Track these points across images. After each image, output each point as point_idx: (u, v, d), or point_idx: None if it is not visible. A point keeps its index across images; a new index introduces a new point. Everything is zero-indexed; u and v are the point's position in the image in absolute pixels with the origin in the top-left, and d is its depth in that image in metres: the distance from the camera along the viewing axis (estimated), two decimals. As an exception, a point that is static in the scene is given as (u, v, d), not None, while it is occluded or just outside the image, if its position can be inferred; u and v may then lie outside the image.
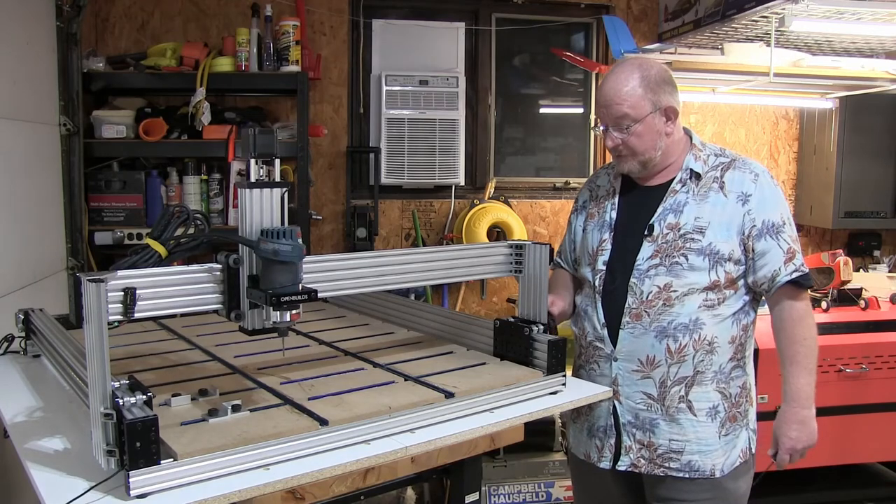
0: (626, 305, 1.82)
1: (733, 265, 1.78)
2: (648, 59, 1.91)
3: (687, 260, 1.77)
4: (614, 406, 1.86)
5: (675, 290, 1.77)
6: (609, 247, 1.88)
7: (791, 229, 1.80)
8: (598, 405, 1.89)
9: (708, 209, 1.79)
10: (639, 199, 1.89)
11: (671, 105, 1.81)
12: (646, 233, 1.82)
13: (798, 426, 1.78)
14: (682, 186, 1.83)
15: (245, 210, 1.38)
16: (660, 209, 1.83)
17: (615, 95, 1.78)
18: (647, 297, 1.79)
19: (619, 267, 1.85)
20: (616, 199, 1.92)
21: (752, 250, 1.78)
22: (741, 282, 1.80)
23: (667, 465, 1.82)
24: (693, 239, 1.78)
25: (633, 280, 1.81)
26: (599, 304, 1.87)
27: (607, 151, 3.97)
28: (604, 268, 1.88)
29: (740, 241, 1.78)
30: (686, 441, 1.80)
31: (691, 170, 1.83)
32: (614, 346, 1.83)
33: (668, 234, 1.80)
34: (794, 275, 1.76)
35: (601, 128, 1.85)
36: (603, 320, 1.86)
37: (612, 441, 1.87)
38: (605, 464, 1.88)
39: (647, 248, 1.81)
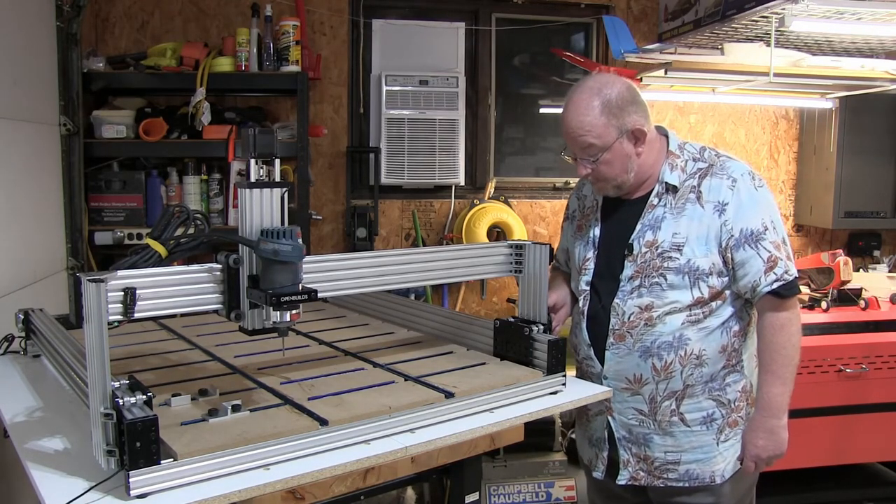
0: (610, 326, 1.80)
1: (717, 278, 1.74)
2: (608, 78, 1.79)
3: (666, 280, 1.74)
4: (608, 420, 1.86)
5: (655, 311, 1.75)
6: (592, 266, 1.87)
7: (774, 234, 1.72)
8: (594, 418, 1.90)
9: (685, 223, 1.75)
10: (620, 215, 1.86)
11: (637, 126, 1.73)
12: (626, 252, 1.80)
13: (766, 435, 1.76)
14: (660, 200, 1.79)
15: (245, 210, 1.38)
16: (638, 226, 1.79)
17: (578, 127, 1.73)
18: (629, 318, 1.77)
19: (604, 287, 1.84)
20: (599, 215, 1.90)
21: (732, 260, 1.73)
22: (728, 291, 1.76)
23: (665, 476, 1.81)
24: (671, 257, 1.74)
25: (616, 301, 1.79)
26: (584, 325, 1.86)
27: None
28: (587, 288, 1.87)
29: (720, 253, 1.73)
30: (681, 451, 1.79)
31: (667, 183, 1.79)
32: (602, 366, 1.82)
33: (646, 252, 1.77)
34: (775, 285, 1.71)
35: (570, 156, 1.81)
36: (588, 341, 1.85)
37: (605, 454, 1.87)
38: (598, 474, 1.90)
39: (628, 268, 1.79)
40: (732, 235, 1.72)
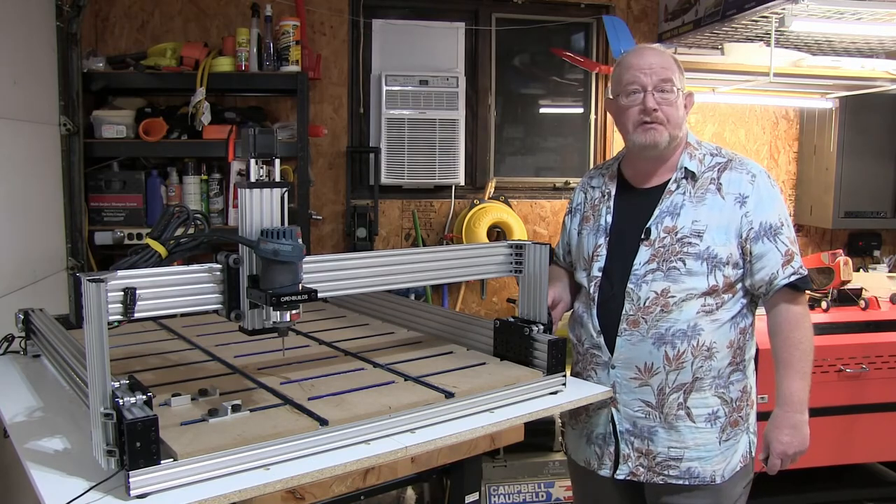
0: (624, 312, 1.79)
1: (731, 269, 1.76)
2: None
3: (685, 265, 1.75)
4: (612, 413, 1.85)
5: (672, 296, 1.75)
6: (604, 252, 1.87)
7: (789, 230, 1.78)
8: (596, 413, 1.88)
9: (705, 212, 1.77)
10: (635, 202, 1.87)
11: (690, 94, 1.86)
12: (643, 237, 1.80)
13: (790, 431, 1.76)
14: (678, 187, 1.81)
15: (245, 210, 1.38)
16: (656, 212, 1.81)
17: (661, 61, 1.79)
18: (645, 304, 1.77)
19: (616, 273, 1.83)
20: (611, 203, 1.90)
21: (750, 253, 1.76)
22: (739, 285, 1.78)
23: (666, 472, 1.80)
24: (691, 243, 1.76)
25: (630, 286, 1.79)
26: (594, 312, 1.85)
27: (607, 150, 3.97)
28: (599, 274, 1.86)
29: (738, 245, 1.76)
30: (685, 448, 1.79)
31: (686, 168, 1.81)
32: (611, 354, 1.82)
33: (665, 237, 1.78)
34: (792, 278, 1.74)
35: (636, 93, 1.78)
36: (598, 328, 1.84)
37: (612, 449, 1.85)
38: (606, 472, 1.87)
39: (644, 253, 1.80)
40: (752, 228, 1.75)
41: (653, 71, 1.78)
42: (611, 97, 1.88)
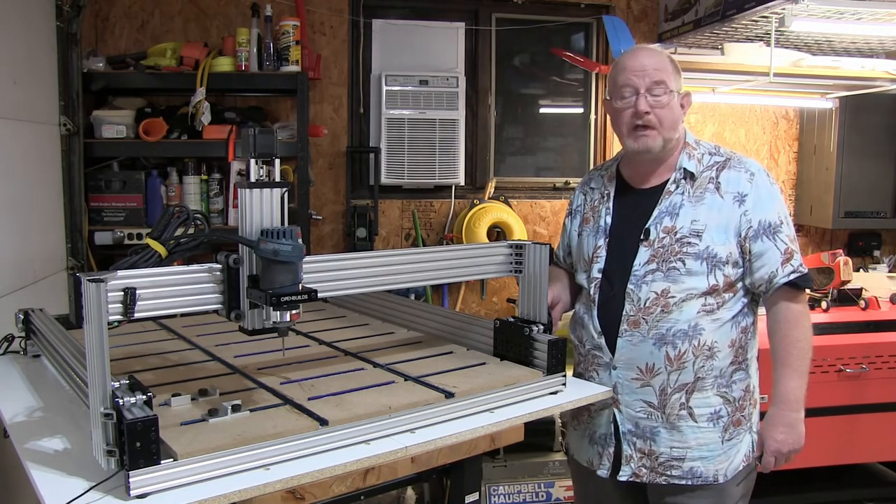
0: (624, 313, 1.79)
1: (731, 268, 1.76)
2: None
3: (684, 265, 1.75)
4: (614, 414, 1.84)
5: (672, 296, 1.75)
6: (604, 254, 1.87)
7: (789, 228, 1.78)
8: (598, 413, 1.88)
9: (704, 211, 1.77)
10: (634, 203, 1.87)
11: (687, 93, 1.83)
12: (642, 237, 1.80)
13: (785, 429, 1.76)
14: (677, 188, 1.81)
15: (245, 210, 1.38)
16: (655, 212, 1.81)
17: (654, 62, 1.78)
18: (645, 304, 1.77)
19: (616, 274, 1.83)
20: (610, 204, 1.90)
21: (749, 252, 1.76)
22: (739, 284, 1.78)
23: (668, 473, 1.80)
24: (690, 243, 1.75)
25: (630, 287, 1.79)
26: (595, 313, 1.85)
27: (607, 150, 3.96)
28: (599, 276, 1.86)
29: (737, 244, 1.76)
30: (687, 448, 1.79)
31: (685, 169, 1.81)
32: (613, 355, 1.81)
33: (664, 238, 1.78)
34: (792, 276, 1.74)
35: (629, 96, 1.78)
36: (599, 329, 1.84)
37: (611, 449, 1.85)
38: (604, 472, 1.87)
39: (643, 254, 1.79)
40: (752, 226, 1.75)
41: (646, 73, 1.77)
42: (608, 98, 1.88)
